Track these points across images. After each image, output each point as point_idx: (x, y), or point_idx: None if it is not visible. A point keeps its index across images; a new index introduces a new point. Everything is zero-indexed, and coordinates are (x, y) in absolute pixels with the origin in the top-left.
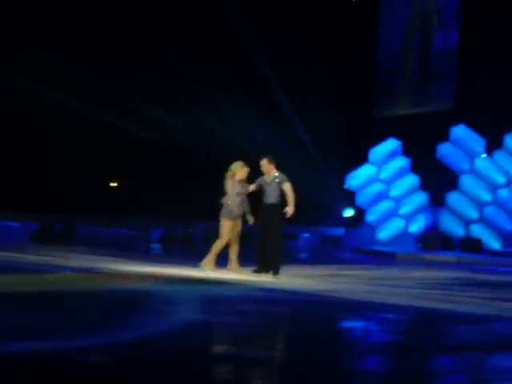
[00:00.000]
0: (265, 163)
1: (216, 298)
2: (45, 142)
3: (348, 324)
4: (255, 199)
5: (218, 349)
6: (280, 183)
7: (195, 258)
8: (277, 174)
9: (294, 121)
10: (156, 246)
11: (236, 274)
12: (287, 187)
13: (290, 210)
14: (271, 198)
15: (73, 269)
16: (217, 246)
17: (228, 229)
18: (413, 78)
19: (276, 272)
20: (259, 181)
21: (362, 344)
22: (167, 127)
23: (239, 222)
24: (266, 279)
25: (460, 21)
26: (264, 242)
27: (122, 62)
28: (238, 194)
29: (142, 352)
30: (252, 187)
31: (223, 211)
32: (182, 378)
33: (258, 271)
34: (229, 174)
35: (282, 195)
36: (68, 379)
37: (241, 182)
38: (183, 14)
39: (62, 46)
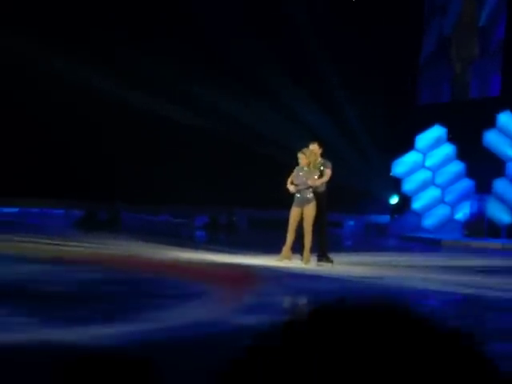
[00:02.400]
0: (317, 148)
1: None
2: (87, 129)
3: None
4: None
5: None
6: (323, 166)
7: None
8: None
9: (342, 108)
10: (201, 233)
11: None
12: (328, 172)
13: (313, 181)
14: (321, 186)
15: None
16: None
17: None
18: (459, 62)
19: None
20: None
21: None
22: (215, 112)
23: (306, 208)
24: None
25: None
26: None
27: (175, 46)
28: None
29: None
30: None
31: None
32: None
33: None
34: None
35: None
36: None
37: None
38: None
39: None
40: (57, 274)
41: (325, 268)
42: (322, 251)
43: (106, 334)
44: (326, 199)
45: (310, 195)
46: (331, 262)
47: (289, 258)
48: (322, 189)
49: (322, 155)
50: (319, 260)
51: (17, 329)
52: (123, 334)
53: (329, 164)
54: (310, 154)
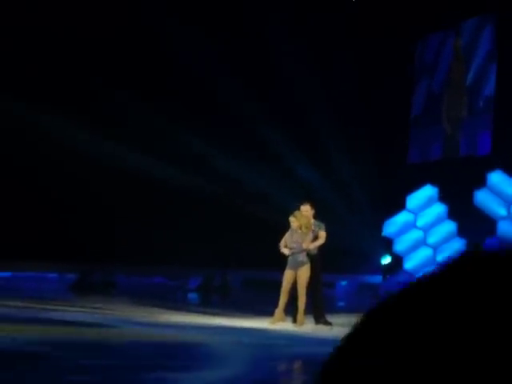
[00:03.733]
0: (308, 208)
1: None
2: (83, 190)
3: None
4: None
5: None
6: (318, 228)
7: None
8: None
9: (335, 167)
10: (194, 296)
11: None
12: (322, 235)
13: (306, 245)
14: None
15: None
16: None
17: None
18: (449, 122)
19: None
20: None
21: None
22: (209, 173)
23: (300, 271)
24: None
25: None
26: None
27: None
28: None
29: None
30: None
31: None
32: None
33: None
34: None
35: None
36: None
37: (297, 231)
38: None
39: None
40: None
41: (322, 331)
42: (319, 314)
43: None
44: (320, 261)
45: (304, 258)
46: (330, 324)
47: (282, 320)
48: (315, 251)
49: (315, 216)
50: (317, 323)
51: None
52: None
53: (323, 226)
54: (301, 217)
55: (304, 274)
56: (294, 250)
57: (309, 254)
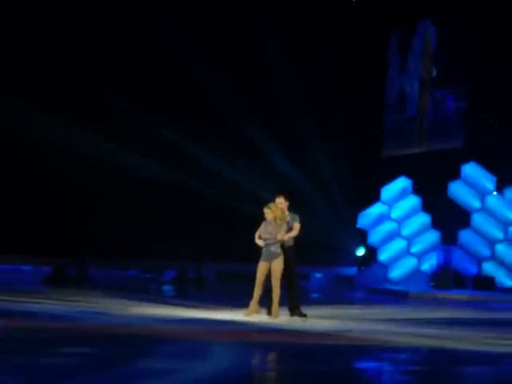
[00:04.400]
0: (281, 201)
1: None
2: (58, 183)
3: (360, 364)
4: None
5: None
6: (292, 220)
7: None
8: (288, 213)
9: (310, 159)
10: (168, 288)
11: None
12: (296, 227)
13: (280, 236)
14: (288, 240)
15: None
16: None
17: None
18: (424, 116)
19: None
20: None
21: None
22: (183, 166)
23: (273, 263)
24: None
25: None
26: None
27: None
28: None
29: None
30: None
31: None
32: None
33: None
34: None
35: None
36: None
37: (272, 222)
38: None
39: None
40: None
41: (296, 323)
42: (294, 306)
43: None
44: (294, 253)
45: (278, 249)
46: (305, 316)
47: (257, 312)
48: (290, 243)
49: (289, 208)
50: (292, 315)
51: None
52: None
53: (297, 217)
54: (276, 209)
55: (278, 265)
56: (268, 242)
57: (283, 246)
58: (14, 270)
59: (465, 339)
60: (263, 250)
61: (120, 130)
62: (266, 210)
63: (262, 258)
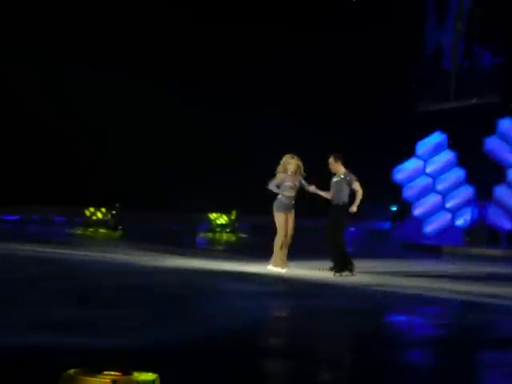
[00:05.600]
0: (331, 161)
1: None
2: (89, 135)
3: (393, 317)
4: None
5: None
6: (348, 182)
7: None
8: (344, 172)
9: (344, 115)
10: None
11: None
12: (357, 186)
13: (354, 208)
14: (336, 198)
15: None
16: (277, 242)
17: (282, 221)
18: (460, 69)
19: (340, 270)
20: (330, 181)
21: (407, 337)
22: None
23: (291, 215)
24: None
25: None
26: (328, 241)
27: None
28: (289, 187)
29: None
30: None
31: (275, 204)
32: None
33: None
34: (279, 167)
35: (351, 194)
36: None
37: (293, 174)
38: None
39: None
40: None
41: (328, 275)
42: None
43: None
44: (345, 211)
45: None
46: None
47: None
48: (346, 200)
49: (346, 167)
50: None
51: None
52: None
53: (352, 176)
54: (299, 160)
55: (293, 216)
56: (291, 194)
57: (336, 206)
58: (47, 220)
59: (499, 294)
60: (286, 202)
61: None
62: (291, 160)
63: (283, 209)
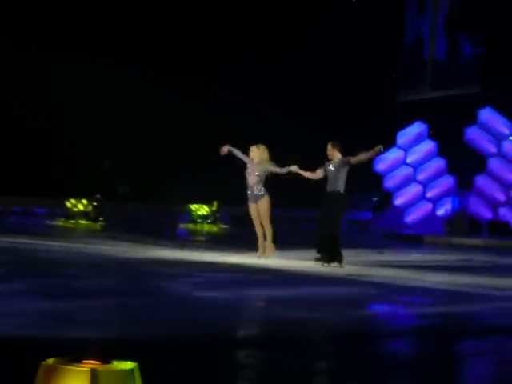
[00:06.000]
0: (329, 148)
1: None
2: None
3: (375, 307)
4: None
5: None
6: (344, 162)
7: None
8: (339, 157)
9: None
10: (182, 231)
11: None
12: (355, 158)
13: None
14: (333, 185)
15: None
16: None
17: (251, 212)
18: (439, 60)
19: (333, 260)
20: (324, 166)
21: (389, 327)
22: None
23: (259, 203)
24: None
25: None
26: (323, 229)
27: None
28: (252, 175)
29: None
30: (319, 172)
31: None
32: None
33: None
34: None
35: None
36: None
37: (259, 163)
38: None
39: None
40: None
41: (313, 265)
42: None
43: None
44: (343, 199)
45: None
46: (326, 261)
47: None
48: (343, 187)
49: (342, 153)
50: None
51: None
52: None
53: (348, 157)
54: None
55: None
56: (256, 182)
57: (333, 193)
58: (27, 212)
59: (481, 284)
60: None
61: None
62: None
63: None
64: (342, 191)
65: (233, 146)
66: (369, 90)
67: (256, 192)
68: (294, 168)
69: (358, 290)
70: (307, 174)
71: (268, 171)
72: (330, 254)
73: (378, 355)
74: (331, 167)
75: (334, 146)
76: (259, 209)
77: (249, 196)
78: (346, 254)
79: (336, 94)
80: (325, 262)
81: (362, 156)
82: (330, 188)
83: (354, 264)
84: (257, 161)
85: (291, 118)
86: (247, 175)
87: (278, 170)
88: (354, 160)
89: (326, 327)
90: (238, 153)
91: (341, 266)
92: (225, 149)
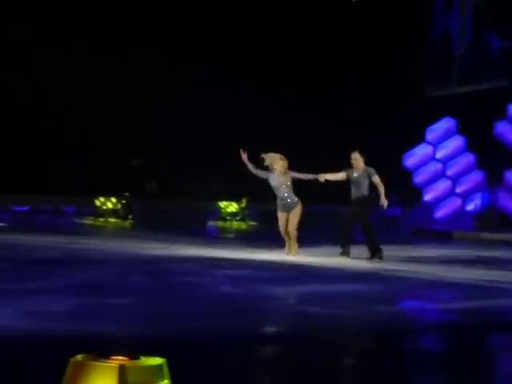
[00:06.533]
0: (356, 157)
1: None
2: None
3: (405, 303)
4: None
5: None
6: (368, 175)
7: None
8: (363, 167)
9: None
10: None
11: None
12: (377, 179)
13: (384, 203)
14: (358, 191)
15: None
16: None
17: (280, 219)
18: (468, 54)
19: (375, 255)
20: (347, 172)
21: (419, 322)
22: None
23: (293, 211)
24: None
25: None
26: (349, 228)
27: None
28: (282, 187)
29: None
30: (342, 175)
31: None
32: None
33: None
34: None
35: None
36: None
37: (285, 172)
38: None
39: None
40: None
41: (341, 261)
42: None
43: None
44: (368, 203)
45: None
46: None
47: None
48: (367, 193)
49: (366, 162)
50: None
51: None
52: None
53: (373, 171)
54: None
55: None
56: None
57: (360, 198)
58: (56, 210)
59: (508, 279)
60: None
61: None
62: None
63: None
64: (366, 194)
65: (258, 145)
66: (398, 86)
67: (290, 202)
68: (321, 177)
69: (386, 285)
70: (332, 177)
71: (293, 178)
72: (371, 250)
73: (406, 351)
74: (355, 175)
75: (361, 155)
76: (291, 216)
77: (281, 205)
78: None
79: (365, 92)
80: (368, 259)
81: (381, 188)
82: (354, 195)
83: (383, 259)
84: (283, 171)
85: (320, 113)
86: (274, 187)
87: (301, 176)
88: (375, 181)
89: (354, 323)
90: (253, 169)
91: (381, 261)
92: (244, 156)
